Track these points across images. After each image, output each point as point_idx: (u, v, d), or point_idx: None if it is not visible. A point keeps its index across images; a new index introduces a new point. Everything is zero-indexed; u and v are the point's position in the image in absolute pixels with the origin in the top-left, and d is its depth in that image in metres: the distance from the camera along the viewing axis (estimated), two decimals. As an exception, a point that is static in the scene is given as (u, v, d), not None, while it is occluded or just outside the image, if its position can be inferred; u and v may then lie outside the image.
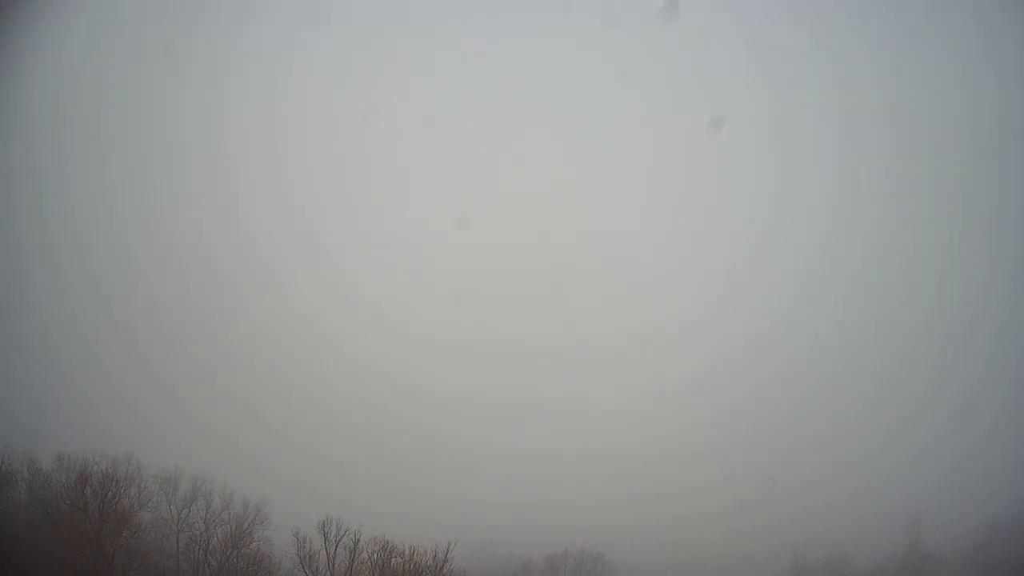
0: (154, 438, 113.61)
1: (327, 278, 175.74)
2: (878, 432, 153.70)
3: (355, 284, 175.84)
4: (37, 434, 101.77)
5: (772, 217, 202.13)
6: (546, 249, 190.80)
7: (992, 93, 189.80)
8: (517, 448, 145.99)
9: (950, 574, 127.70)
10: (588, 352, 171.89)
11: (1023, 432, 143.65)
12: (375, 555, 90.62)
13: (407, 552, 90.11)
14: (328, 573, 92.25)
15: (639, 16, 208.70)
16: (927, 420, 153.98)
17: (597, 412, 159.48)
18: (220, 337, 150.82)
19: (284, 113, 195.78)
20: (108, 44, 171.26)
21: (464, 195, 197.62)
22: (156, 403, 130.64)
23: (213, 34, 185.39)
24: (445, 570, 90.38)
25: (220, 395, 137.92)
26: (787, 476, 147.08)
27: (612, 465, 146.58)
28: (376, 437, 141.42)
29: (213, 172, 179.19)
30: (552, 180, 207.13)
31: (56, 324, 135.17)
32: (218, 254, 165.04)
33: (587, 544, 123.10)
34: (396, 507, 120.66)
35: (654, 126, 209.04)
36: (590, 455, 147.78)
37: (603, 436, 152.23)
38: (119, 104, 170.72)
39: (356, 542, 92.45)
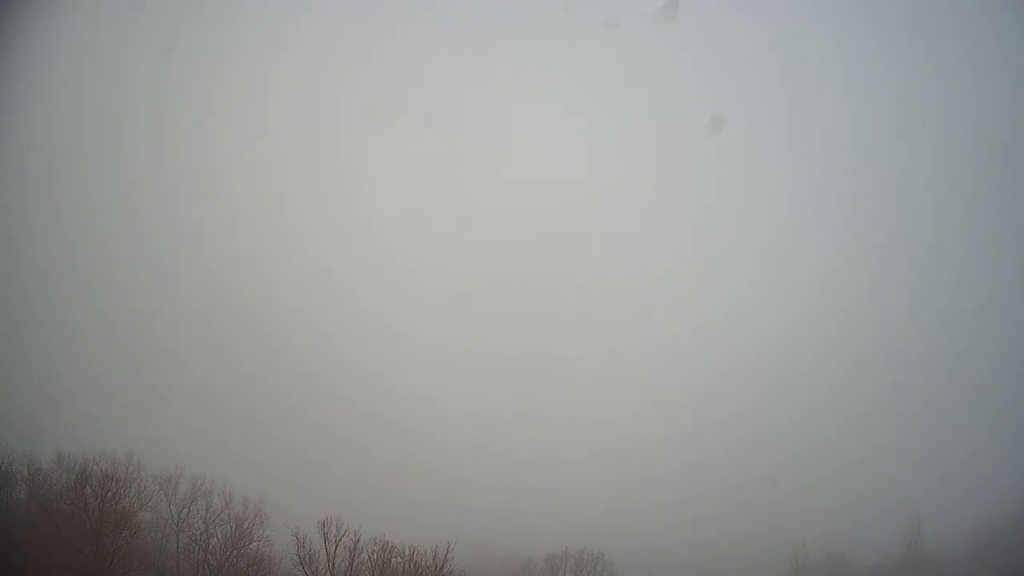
0: (154, 438, 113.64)
1: (329, 282, 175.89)
2: (878, 433, 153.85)
3: (356, 288, 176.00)
4: (37, 434, 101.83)
5: (775, 220, 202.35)
6: (547, 254, 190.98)
7: (1002, 91, 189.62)
8: (518, 453, 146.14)
9: (950, 575, 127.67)
10: (590, 355, 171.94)
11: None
12: (375, 555, 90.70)
13: (407, 552, 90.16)
14: (328, 573, 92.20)
15: (639, 16, 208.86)
16: (928, 421, 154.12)
17: (598, 414, 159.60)
18: (221, 338, 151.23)
19: (280, 115, 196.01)
20: (100, 45, 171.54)
21: (463, 199, 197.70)
22: (156, 403, 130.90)
23: (209, 35, 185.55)
24: (445, 570, 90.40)
25: (220, 396, 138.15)
26: (788, 477, 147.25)
27: (614, 467, 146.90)
28: (378, 442, 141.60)
29: (208, 175, 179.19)
30: (553, 182, 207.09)
31: (56, 325, 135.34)
32: (216, 256, 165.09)
33: (587, 544, 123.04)
34: (396, 509, 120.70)
35: (655, 126, 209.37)
36: (592, 457, 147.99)
37: (604, 438, 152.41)
38: (111, 108, 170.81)
39: (356, 542, 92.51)
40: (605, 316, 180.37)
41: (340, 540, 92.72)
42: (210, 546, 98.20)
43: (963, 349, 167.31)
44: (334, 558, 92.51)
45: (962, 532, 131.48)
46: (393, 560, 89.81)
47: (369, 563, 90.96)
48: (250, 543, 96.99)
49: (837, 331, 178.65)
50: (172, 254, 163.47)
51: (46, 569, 77.70)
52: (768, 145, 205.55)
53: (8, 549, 78.15)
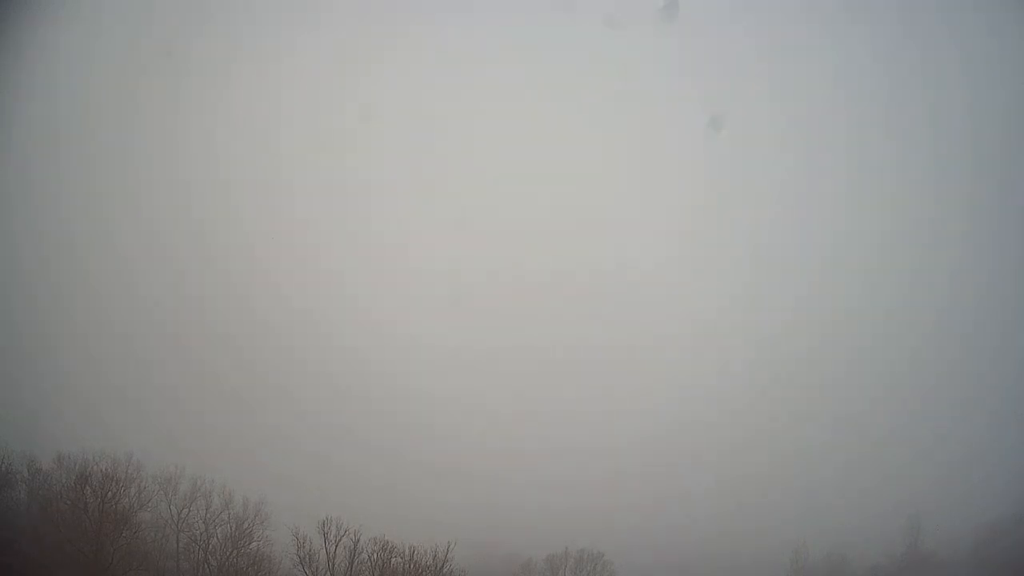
0: (154, 438, 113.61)
1: (328, 280, 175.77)
2: (879, 432, 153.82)
3: (355, 286, 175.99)
4: (37, 434, 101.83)
5: (774, 219, 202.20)
6: (546, 251, 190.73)
7: (997, 90, 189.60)
8: (517, 451, 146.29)
9: (950, 574, 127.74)
10: (589, 354, 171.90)
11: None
12: (375, 555, 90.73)
13: (407, 552, 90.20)
14: (328, 573, 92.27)
15: (640, 16, 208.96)
16: (928, 420, 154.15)
17: (598, 414, 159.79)
18: (219, 338, 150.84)
19: (283, 116, 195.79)
20: (103, 45, 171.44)
21: (462, 196, 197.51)
22: (156, 403, 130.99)
23: (209, 35, 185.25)
24: (445, 570, 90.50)
25: (220, 395, 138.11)
26: (787, 477, 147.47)
27: (614, 467, 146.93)
28: (377, 439, 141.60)
29: (209, 173, 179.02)
30: (552, 181, 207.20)
31: (55, 325, 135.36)
32: (216, 255, 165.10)
33: (587, 544, 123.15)
34: (396, 508, 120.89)
35: (656, 126, 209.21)
36: (591, 457, 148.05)
37: (604, 438, 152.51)
38: (114, 106, 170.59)
39: (356, 542, 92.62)
40: (605, 314, 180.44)
41: (340, 540, 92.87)
42: (210, 546, 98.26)
43: (962, 347, 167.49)
44: (334, 558, 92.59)
45: (962, 532, 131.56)
46: (393, 560, 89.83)
47: (369, 563, 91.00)
48: (250, 543, 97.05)
49: (836, 329, 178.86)
50: (174, 254, 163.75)
51: (46, 569, 77.70)
52: (766, 144, 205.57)
53: (8, 549, 78.13)
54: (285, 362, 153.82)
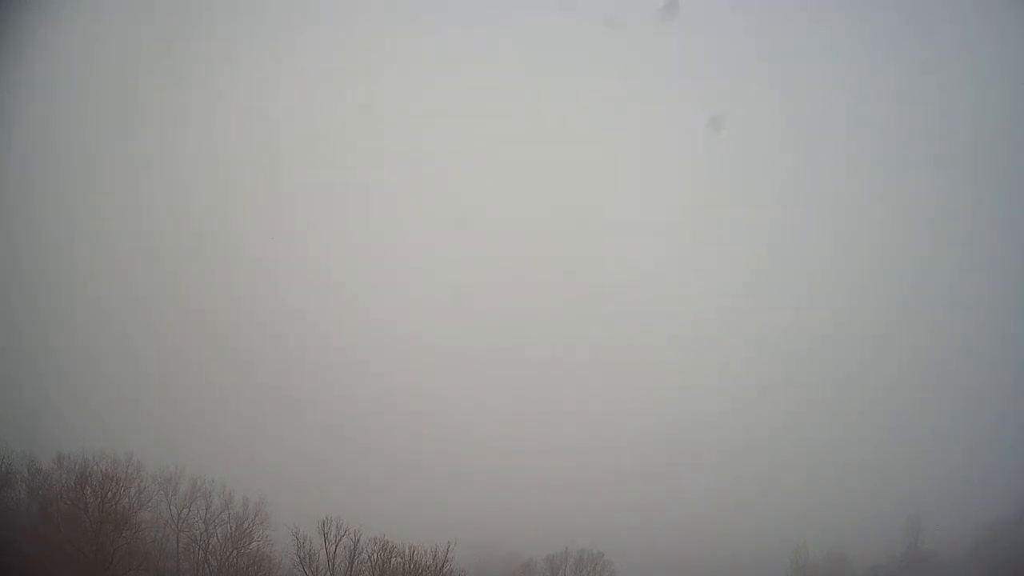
0: (154, 437, 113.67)
1: (327, 281, 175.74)
2: (878, 432, 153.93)
3: (355, 286, 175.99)
4: (37, 434, 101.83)
5: (774, 219, 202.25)
6: (546, 252, 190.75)
7: (998, 89, 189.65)
8: (518, 451, 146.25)
9: (950, 574, 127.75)
10: (589, 354, 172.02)
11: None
12: (375, 555, 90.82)
13: (407, 552, 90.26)
14: (328, 573, 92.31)
15: (640, 15, 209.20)
16: (929, 421, 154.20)
17: (598, 414, 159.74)
18: (220, 339, 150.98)
19: (281, 116, 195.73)
20: (103, 45, 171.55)
21: (462, 196, 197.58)
22: (156, 404, 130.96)
23: (209, 35, 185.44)
24: (445, 570, 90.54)
25: (220, 396, 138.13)
26: (787, 477, 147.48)
27: (614, 467, 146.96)
28: (377, 439, 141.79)
29: (207, 174, 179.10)
30: (552, 181, 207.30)
31: (55, 325, 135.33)
32: (216, 255, 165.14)
33: (587, 544, 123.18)
34: (396, 508, 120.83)
35: (656, 126, 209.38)
36: (591, 457, 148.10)
37: (604, 438, 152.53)
38: (114, 106, 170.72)
39: (356, 542, 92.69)
40: (605, 314, 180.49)
41: (340, 540, 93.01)
42: (210, 546, 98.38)
43: (962, 348, 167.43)
44: (334, 558, 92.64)
45: (962, 532, 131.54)
46: (393, 560, 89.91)
47: (369, 563, 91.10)
48: (250, 543, 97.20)
49: (836, 329, 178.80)
50: (174, 254, 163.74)
51: (46, 569, 77.72)
52: (766, 144, 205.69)
53: (8, 549, 78.13)
54: (285, 362, 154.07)
